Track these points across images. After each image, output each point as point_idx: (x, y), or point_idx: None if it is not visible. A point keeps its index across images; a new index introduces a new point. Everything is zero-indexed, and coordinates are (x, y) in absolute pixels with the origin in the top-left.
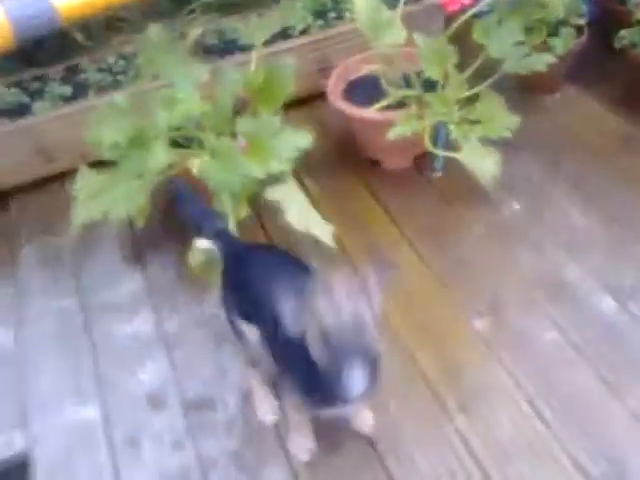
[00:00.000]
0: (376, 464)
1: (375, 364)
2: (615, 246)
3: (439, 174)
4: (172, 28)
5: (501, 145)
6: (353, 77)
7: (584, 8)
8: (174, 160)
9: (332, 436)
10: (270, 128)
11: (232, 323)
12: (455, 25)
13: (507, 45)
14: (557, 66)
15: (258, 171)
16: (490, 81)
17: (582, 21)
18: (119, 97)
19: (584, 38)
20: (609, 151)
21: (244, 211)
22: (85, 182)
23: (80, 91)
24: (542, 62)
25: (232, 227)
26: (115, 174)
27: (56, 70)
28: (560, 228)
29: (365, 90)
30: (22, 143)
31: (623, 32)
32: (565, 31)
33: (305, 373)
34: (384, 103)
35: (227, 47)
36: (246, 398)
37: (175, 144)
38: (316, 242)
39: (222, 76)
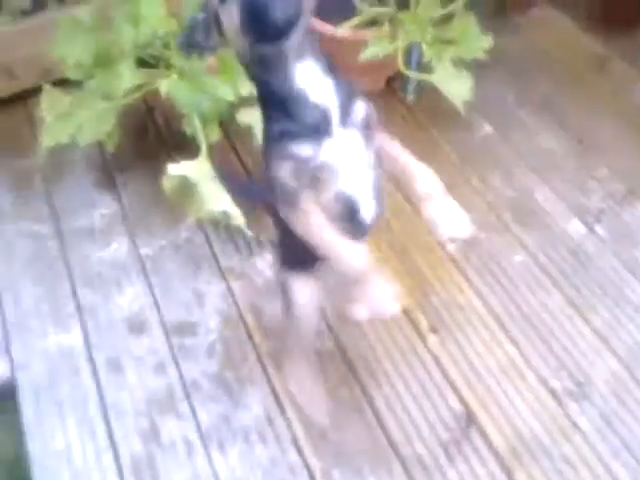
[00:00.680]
0: (353, 383)
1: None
2: (583, 169)
3: (412, 97)
4: None
5: (474, 66)
6: None
7: None
8: (142, 81)
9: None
10: None
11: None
12: None
13: None
14: None
15: (228, 93)
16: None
17: None
18: (82, 12)
19: None
20: (582, 72)
21: (216, 134)
22: (50, 103)
23: (40, 3)
24: None
25: (204, 150)
26: (81, 95)
27: None
28: (530, 151)
29: (335, 5)
30: None
31: None
32: None
33: None
34: (355, 21)
35: None
36: (225, 321)
37: (142, 63)
38: None
39: None
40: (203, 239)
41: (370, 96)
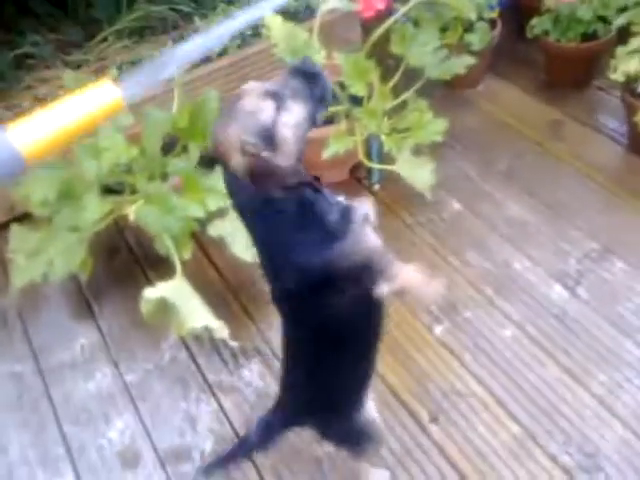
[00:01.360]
0: None
1: None
2: (556, 233)
3: (377, 186)
4: (85, 60)
5: (434, 146)
6: None
7: (494, 0)
8: (108, 209)
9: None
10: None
11: None
12: (373, 37)
13: (426, 53)
14: (477, 60)
15: (196, 211)
16: (415, 88)
17: (494, 14)
18: None
19: (498, 30)
20: (539, 138)
21: (188, 251)
22: (19, 242)
23: None
24: (462, 64)
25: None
26: (49, 230)
27: None
28: (501, 222)
29: None
30: None
31: (534, 21)
32: (480, 26)
33: None
34: None
35: None
36: (220, 442)
37: (107, 190)
38: None
39: (147, 118)
40: (187, 356)
41: (336, 187)
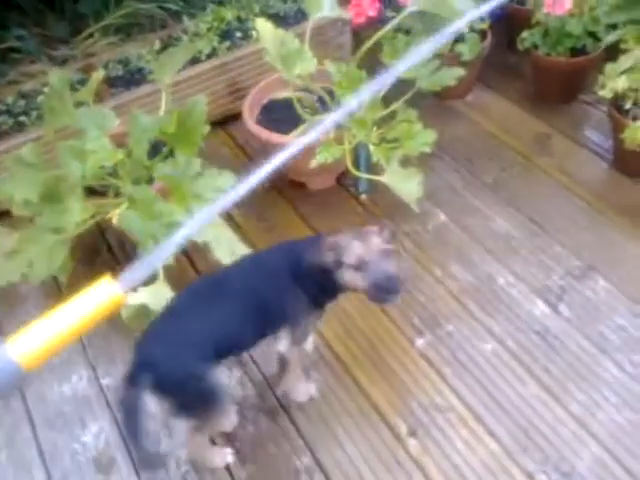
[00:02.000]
0: None
1: None
2: (540, 248)
3: (364, 195)
4: (72, 55)
5: (422, 157)
6: (266, 101)
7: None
8: (92, 212)
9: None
10: (189, 171)
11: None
12: (364, 47)
13: (418, 64)
14: (466, 71)
15: (181, 217)
16: (404, 98)
17: (485, 25)
18: (25, 150)
19: (488, 41)
20: (526, 151)
21: (174, 256)
22: None
23: None
24: (453, 76)
25: (161, 275)
26: (30, 231)
27: None
28: (485, 235)
29: (282, 114)
30: None
31: (525, 34)
32: (470, 37)
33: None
34: (302, 128)
35: (133, 78)
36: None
37: (91, 191)
38: None
39: (135, 122)
40: None
41: (323, 194)
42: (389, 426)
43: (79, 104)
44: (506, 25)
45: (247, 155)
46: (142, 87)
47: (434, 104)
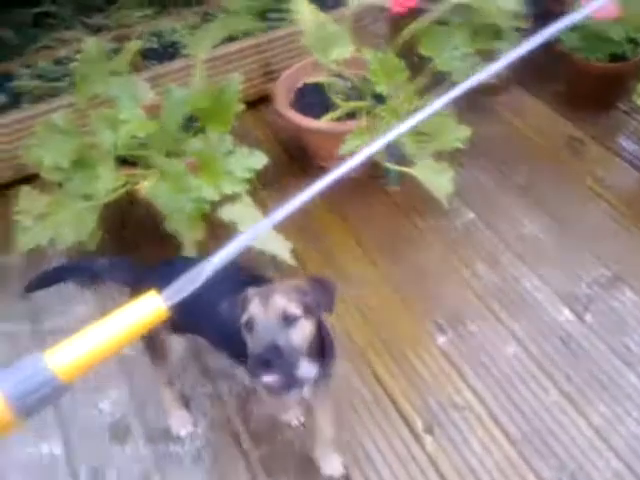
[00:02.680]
0: None
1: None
2: (568, 254)
3: (394, 187)
4: (105, 24)
5: (453, 152)
6: (300, 85)
7: (526, 10)
8: (122, 181)
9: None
10: (221, 148)
11: (153, 340)
12: (402, 36)
13: (456, 58)
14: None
15: (210, 193)
16: (442, 92)
17: (524, 23)
18: (56, 116)
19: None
20: (559, 155)
21: (201, 231)
22: (28, 204)
23: (15, 99)
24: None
25: (189, 248)
26: (60, 196)
27: None
28: (514, 237)
29: (314, 98)
30: None
31: (562, 36)
32: (510, 34)
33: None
34: (334, 115)
35: (166, 52)
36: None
37: (122, 161)
38: (273, 258)
39: (169, 95)
40: None
41: (351, 183)
42: (406, 421)
43: (113, 73)
44: (546, 25)
45: (277, 137)
46: (175, 61)
47: (468, 100)
